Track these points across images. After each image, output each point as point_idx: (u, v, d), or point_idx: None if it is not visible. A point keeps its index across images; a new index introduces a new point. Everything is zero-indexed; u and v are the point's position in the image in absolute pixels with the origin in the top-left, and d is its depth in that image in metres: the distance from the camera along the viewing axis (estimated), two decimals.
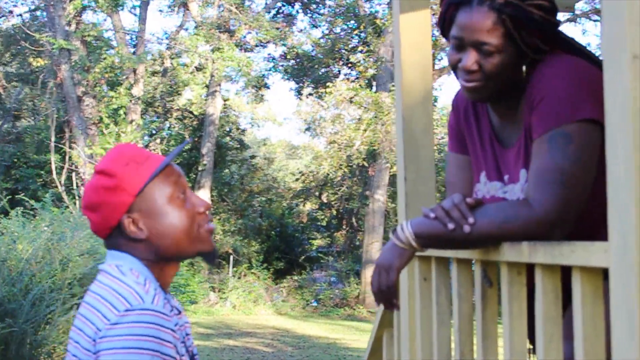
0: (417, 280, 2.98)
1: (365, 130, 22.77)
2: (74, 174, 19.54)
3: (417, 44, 3.18)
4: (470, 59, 2.35)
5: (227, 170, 27.35)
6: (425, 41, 3.21)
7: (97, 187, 2.05)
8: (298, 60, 26.30)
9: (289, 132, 58.03)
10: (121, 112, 20.39)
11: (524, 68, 2.42)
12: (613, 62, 1.73)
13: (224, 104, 26.21)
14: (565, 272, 2.01)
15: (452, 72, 2.46)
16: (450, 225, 2.18)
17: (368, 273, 23.36)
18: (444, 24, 2.44)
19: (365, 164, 23.59)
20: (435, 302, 2.80)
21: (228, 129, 27.48)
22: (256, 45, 25.75)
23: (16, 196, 15.28)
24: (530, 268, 2.18)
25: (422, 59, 3.18)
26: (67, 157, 19.53)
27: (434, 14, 21.79)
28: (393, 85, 23.26)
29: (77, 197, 18.70)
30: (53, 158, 19.49)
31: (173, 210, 2.08)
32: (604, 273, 1.85)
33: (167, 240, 2.07)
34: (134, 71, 21.80)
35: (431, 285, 2.88)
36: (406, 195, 3.10)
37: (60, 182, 19.02)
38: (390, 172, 23.69)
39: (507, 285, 2.25)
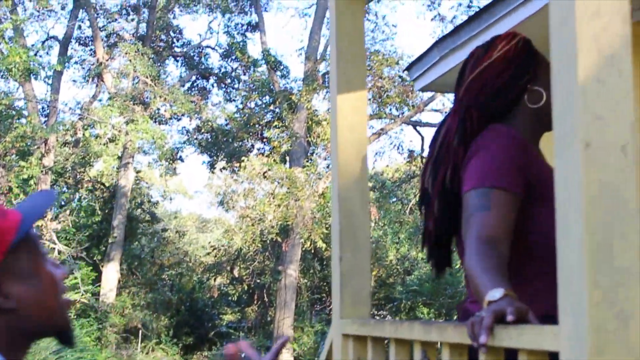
0: (351, 359, 2.98)
1: (278, 205, 22.79)
2: None
3: (353, 124, 3.22)
4: None
5: (137, 243, 26.99)
6: (361, 121, 3.25)
7: None
8: (212, 133, 26.31)
9: (200, 206, 57.73)
10: (32, 182, 20.05)
11: None
12: (565, 150, 1.78)
13: (136, 176, 25.99)
14: (510, 355, 2.04)
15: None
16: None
17: None
18: (518, 75, 2.63)
19: (279, 239, 23.55)
20: None
21: (140, 202, 27.20)
22: (170, 118, 25.71)
23: None
24: (473, 349, 2.20)
25: (358, 139, 3.22)
26: None
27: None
28: (307, 161, 23.46)
29: None
30: None
31: (41, 273, 1.67)
32: (551, 357, 1.88)
33: (37, 310, 1.64)
34: (45, 141, 21.51)
35: None
36: (341, 274, 3.10)
37: None
38: (302, 248, 23.69)
39: None
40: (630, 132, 1.74)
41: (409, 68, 7.13)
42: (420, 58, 6.56)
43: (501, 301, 2.02)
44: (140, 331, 23.73)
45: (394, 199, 27.89)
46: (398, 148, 26.11)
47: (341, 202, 3.14)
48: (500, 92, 2.61)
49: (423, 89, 7.12)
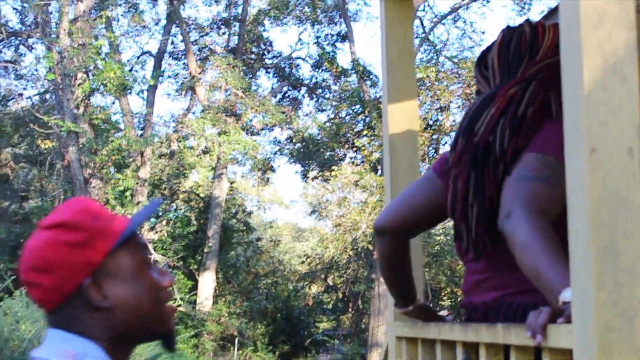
0: None
1: (370, 213, 22.86)
2: None
3: (404, 133, 3.31)
4: None
5: (232, 253, 27.39)
6: (413, 129, 3.33)
7: (54, 243, 1.65)
8: (304, 143, 26.55)
9: (296, 215, 58.11)
10: (128, 194, 20.57)
11: None
12: (573, 154, 1.85)
13: (230, 187, 26.39)
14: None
15: None
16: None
17: (374, 356, 23.22)
18: None
19: (371, 247, 23.62)
20: None
21: (234, 212, 27.61)
22: (262, 129, 26.05)
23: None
24: (507, 349, 2.26)
25: (410, 147, 3.31)
26: None
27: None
28: None
29: None
30: None
31: (142, 279, 1.73)
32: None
33: (133, 314, 1.70)
34: (141, 153, 22.04)
35: None
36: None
37: None
38: None
39: None
40: (635, 136, 1.79)
41: None
42: None
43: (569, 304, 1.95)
44: (237, 339, 24.08)
45: None
46: None
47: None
48: None
49: None
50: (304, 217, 44.60)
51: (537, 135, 2.48)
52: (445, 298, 25.70)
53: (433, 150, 23.50)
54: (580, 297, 1.80)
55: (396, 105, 3.30)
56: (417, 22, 25.09)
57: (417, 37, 24.89)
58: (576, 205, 1.83)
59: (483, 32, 36.74)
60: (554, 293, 2.06)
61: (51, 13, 20.94)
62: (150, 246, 20.74)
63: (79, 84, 19.97)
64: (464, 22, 25.45)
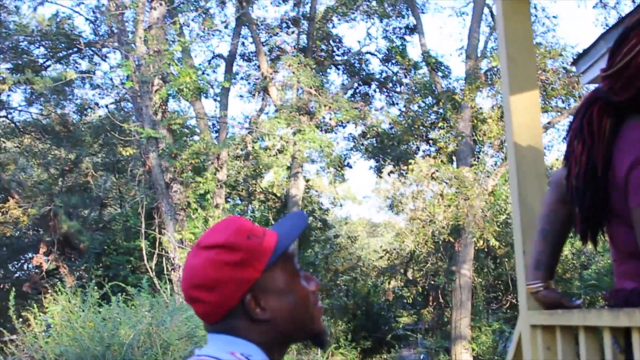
0: (541, 349, 3.08)
1: (448, 205, 22.79)
2: (164, 259, 19.90)
3: (527, 124, 3.33)
4: None
5: (311, 250, 27.50)
6: (535, 121, 3.36)
7: (216, 263, 1.79)
8: (378, 138, 26.53)
9: (369, 210, 58.07)
10: (208, 196, 20.80)
11: None
12: None
13: (306, 185, 26.50)
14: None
15: None
16: None
17: (458, 349, 23.15)
18: None
19: (451, 239, 23.53)
20: None
21: (311, 209, 27.72)
22: (336, 126, 26.11)
23: (108, 283, 15.61)
24: None
25: (533, 137, 3.33)
26: (157, 243, 19.91)
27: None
28: (474, 159, 23.37)
29: (168, 282, 19.04)
30: (144, 244, 19.89)
31: (294, 289, 1.86)
32: None
33: (290, 321, 1.84)
34: (218, 156, 22.26)
35: (556, 354, 2.97)
36: (526, 267, 3.22)
37: (151, 267, 19.39)
38: (475, 247, 23.59)
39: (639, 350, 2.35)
40: None
41: (575, 62, 7.06)
42: (586, 51, 6.51)
43: None
44: None
45: None
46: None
47: (521, 199, 3.25)
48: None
49: (591, 82, 6.99)
50: (377, 212, 44.54)
51: (630, 185, 2.46)
52: None
53: None
54: None
55: (518, 97, 3.32)
56: (486, 10, 24.93)
57: (488, 26, 24.75)
58: None
59: (555, 17, 36.29)
60: None
61: (126, 22, 21.24)
62: None
63: (156, 90, 20.23)
64: (535, 7, 25.06)
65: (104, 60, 26.74)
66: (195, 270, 1.81)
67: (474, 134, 24.14)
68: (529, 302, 3.17)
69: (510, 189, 3.34)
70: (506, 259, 24.74)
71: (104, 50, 25.56)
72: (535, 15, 25.03)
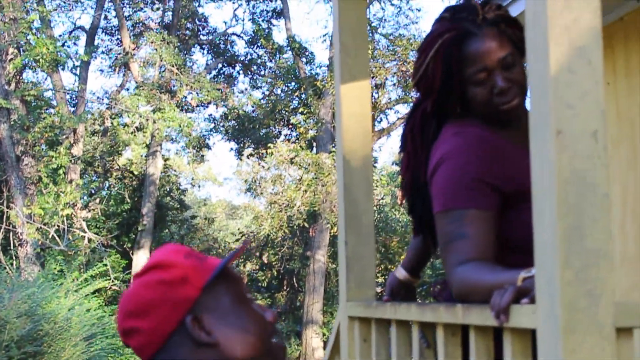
0: (357, 341, 3.07)
1: (305, 191, 22.90)
2: (11, 234, 19.31)
3: (357, 113, 3.31)
4: (502, 78, 2.41)
5: (167, 231, 27.19)
6: (365, 110, 3.34)
7: (149, 284, 1.64)
8: (239, 120, 26.44)
9: (229, 192, 57.89)
10: (61, 171, 20.23)
11: None
12: (539, 137, 1.87)
13: (165, 164, 26.16)
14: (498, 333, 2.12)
15: (483, 110, 2.47)
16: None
17: (309, 334, 23.33)
18: (450, 72, 2.47)
19: (306, 224, 23.66)
20: None
21: (168, 189, 27.40)
22: (197, 106, 25.85)
23: None
24: (465, 329, 2.28)
25: (362, 128, 3.31)
26: (4, 217, 19.29)
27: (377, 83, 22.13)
28: (333, 147, 23.54)
29: (14, 258, 18.49)
30: None
31: (244, 312, 1.71)
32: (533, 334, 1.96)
33: (240, 348, 1.66)
34: (74, 131, 21.69)
35: (371, 347, 2.97)
36: (347, 258, 3.20)
37: None
38: (330, 233, 23.79)
39: (443, 346, 2.35)
40: (601, 119, 1.82)
41: None
42: None
43: (529, 280, 1.97)
44: None
45: None
46: None
47: (346, 189, 3.23)
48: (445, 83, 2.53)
49: None
50: (237, 194, 44.48)
51: (431, 189, 2.53)
52: (379, 275, 25.85)
53: None
54: (546, 277, 1.83)
55: (349, 86, 3.30)
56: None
57: None
58: (542, 187, 1.85)
59: (419, 10, 36.86)
60: (506, 281, 2.05)
61: None
62: (84, 225, 20.47)
63: (10, 60, 19.55)
64: None
65: None
66: (128, 298, 1.66)
67: (334, 121, 24.31)
68: (349, 294, 3.16)
69: (337, 178, 3.31)
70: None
71: None
72: (400, 7, 25.36)
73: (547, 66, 1.82)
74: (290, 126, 25.68)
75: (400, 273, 2.95)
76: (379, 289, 22.40)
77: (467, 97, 2.49)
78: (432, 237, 2.66)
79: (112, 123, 24.22)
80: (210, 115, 27.77)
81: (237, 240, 29.55)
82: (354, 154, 3.26)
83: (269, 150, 23.57)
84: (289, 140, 25.19)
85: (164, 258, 1.67)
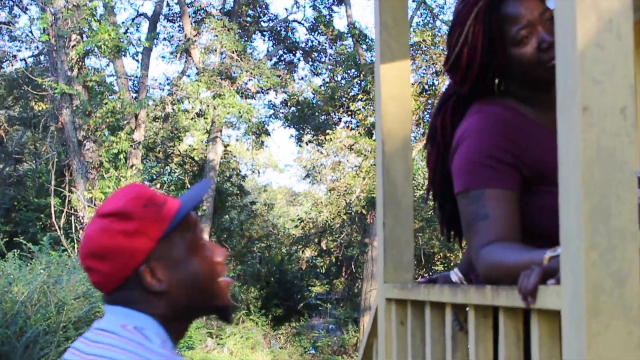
0: (394, 323, 3.04)
1: (364, 178, 22.86)
2: (73, 218, 19.60)
3: (396, 94, 3.27)
4: (547, 32, 2.37)
5: (226, 216, 27.37)
6: (405, 91, 3.30)
7: (109, 231, 1.74)
8: (299, 107, 26.46)
9: (290, 179, 58.15)
10: (121, 156, 20.46)
11: None
12: (564, 113, 1.82)
13: (225, 150, 26.31)
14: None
15: (529, 70, 2.41)
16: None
17: (366, 320, 23.31)
18: (491, 38, 2.43)
19: (365, 211, 23.63)
20: (411, 345, 2.86)
21: (228, 175, 27.56)
22: (257, 92, 25.93)
23: (14, 239, 15.37)
24: (496, 311, 2.24)
25: (402, 109, 3.27)
26: (66, 201, 19.59)
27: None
28: None
29: (75, 241, 18.76)
30: (53, 202, 19.56)
31: (194, 259, 1.80)
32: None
33: (188, 293, 1.79)
34: (136, 116, 21.92)
35: (407, 329, 2.94)
36: (385, 240, 3.17)
37: (59, 225, 19.07)
38: None
39: (474, 328, 2.32)
40: (630, 95, 1.76)
41: None
42: None
43: (555, 260, 1.93)
44: None
45: None
46: None
47: (385, 171, 3.20)
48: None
49: None
50: (298, 181, 44.59)
51: (452, 169, 2.51)
52: (438, 263, 25.74)
53: (428, 115, 23.42)
54: (570, 258, 1.78)
55: (388, 66, 3.26)
56: None
57: (414, 1, 24.75)
58: (567, 165, 1.80)
59: None
60: (533, 262, 2.03)
61: None
62: None
63: (72, 46, 19.80)
64: None
65: (25, 12, 26.07)
66: (90, 239, 1.77)
67: (375, 108, 24.14)
68: (386, 276, 3.13)
69: (376, 160, 3.28)
70: (420, 234, 24.90)
71: (25, 1, 24.96)
72: None
73: (574, 40, 1.77)
74: (349, 113, 25.61)
75: (456, 274, 2.91)
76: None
77: (511, 64, 2.44)
78: (457, 234, 2.68)
79: (173, 109, 24.43)
80: (270, 101, 27.84)
81: (297, 226, 29.61)
82: (393, 135, 3.22)
83: (328, 137, 23.55)
84: (348, 127, 25.13)
85: (124, 208, 1.75)
